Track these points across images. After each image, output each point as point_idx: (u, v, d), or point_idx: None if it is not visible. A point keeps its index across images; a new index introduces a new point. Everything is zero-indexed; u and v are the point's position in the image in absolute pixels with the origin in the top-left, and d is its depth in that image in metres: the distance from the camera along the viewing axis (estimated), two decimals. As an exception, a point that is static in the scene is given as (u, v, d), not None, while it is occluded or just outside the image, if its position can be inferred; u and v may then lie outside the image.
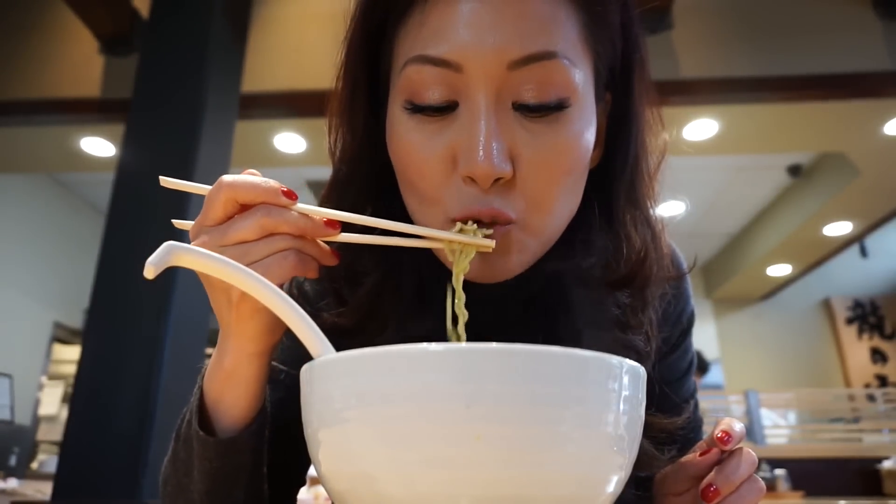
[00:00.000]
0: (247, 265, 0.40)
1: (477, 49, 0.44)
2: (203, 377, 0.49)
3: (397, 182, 0.52)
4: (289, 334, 0.42)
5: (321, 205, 0.56)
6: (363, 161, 0.54)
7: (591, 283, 0.52)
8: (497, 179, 0.45)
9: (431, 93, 0.46)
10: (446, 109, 0.46)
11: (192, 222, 0.45)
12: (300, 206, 0.44)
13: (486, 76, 0.44)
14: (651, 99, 0.55)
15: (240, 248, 0.42)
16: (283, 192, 0.43)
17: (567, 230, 0.51)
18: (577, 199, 0.50)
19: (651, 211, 0.55)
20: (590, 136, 0.48)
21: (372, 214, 0.56)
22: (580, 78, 0.46)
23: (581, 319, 0.52)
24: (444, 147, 0.46)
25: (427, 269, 0.54)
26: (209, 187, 0.44)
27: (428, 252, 0.51)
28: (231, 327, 0.45)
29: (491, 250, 0.46)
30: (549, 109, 0.45)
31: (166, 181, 0.45)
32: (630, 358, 0.35)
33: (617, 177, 0.53)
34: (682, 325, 0.66)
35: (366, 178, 0.55)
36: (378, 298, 0.54)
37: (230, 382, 0.47)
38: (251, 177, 0.44)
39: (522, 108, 0.46)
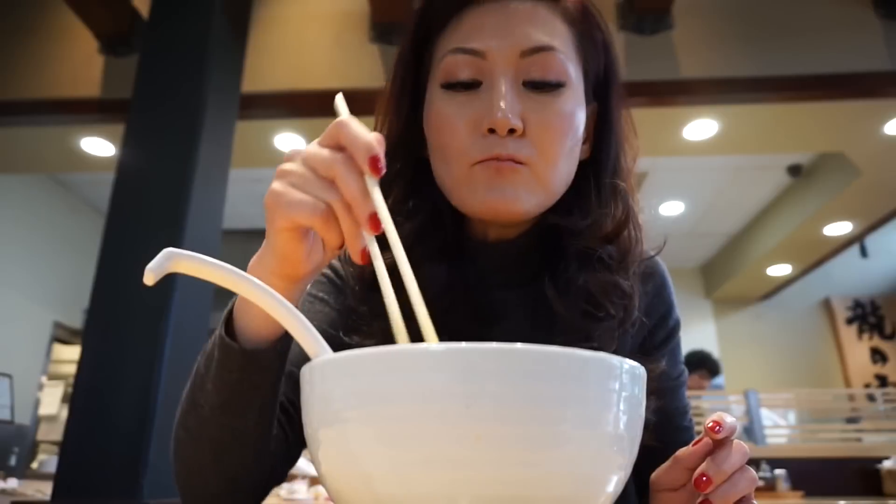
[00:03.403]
0: (289, 186, 0.42)
1: (498, 42, 0.59)
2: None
3: (432, 172, 0.63)
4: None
5: None
6: (404, 145, 0.66)
7: (586, 236, 0.63)
8: (511, 132, 0.57)
9: (462, 73, 0.60)
10: (473, 86, 0.60)
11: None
12: (373, 189, 0.42)
13: (505, 61, 0.59)
14: (626, 108, 0.69)
15: (300, 173, 0.43)
16: (371, 157, 0.41)
17: (565, 199, 0.63)
18: (573, 164, 0.62)
19: (629, 194, 0.66)
20: (581, 116, 0.62)
21: (410, 206, 0.66)
22: (573, 71, 0.61)
23: (576, 264, 0.63)
24: (470, 113, 0.59)
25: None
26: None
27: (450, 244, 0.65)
28: (270, 243, 0.45)
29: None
30: (551, 87, 0.59)
31: (340, 100, 0.47)
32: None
33: (603, 163, 0.66)
34: (667, 328, 0.71)
35: (406, 161, 0.66)
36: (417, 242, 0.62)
37: None
38: (362, 127, 0.42)
39: (530, 85, 0.59)
